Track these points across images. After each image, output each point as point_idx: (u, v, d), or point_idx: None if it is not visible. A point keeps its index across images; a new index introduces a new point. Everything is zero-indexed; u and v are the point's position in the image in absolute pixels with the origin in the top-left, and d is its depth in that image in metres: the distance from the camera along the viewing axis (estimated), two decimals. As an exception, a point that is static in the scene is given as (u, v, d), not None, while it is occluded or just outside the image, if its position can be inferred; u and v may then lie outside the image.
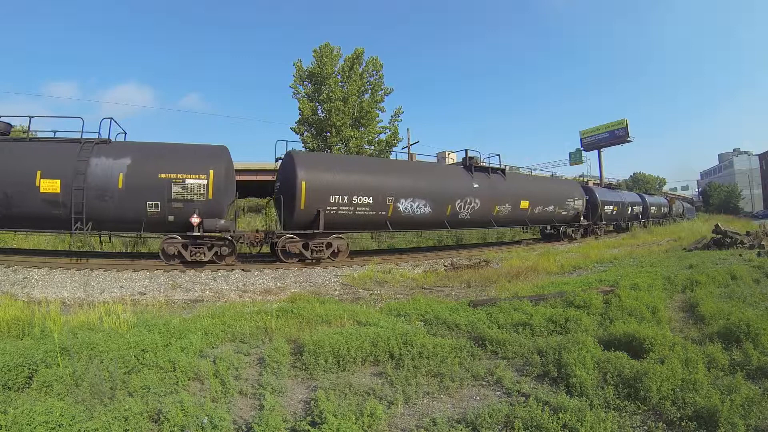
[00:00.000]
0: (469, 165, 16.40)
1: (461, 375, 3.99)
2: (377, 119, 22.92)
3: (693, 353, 4.07)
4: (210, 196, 10.85)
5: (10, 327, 5.01)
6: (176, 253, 10.89)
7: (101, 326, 4.94)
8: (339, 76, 22.11)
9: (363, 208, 12.76)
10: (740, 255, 12.41)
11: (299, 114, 22.37)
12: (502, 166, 17.91)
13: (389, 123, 23.27)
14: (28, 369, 3.64)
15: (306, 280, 10.72)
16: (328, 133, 21.91)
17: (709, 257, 12.39)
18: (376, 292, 9.46)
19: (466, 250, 17.14)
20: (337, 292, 9.54)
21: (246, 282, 10.25)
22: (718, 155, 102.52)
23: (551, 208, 19.35)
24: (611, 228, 28.06)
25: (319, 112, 22.27)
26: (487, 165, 17.25)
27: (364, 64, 22.44)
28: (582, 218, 21.55)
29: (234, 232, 11.44)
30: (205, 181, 10.83)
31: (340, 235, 12.78)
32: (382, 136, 23.05)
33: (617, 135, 52.13)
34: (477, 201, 15.47)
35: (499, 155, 18.01)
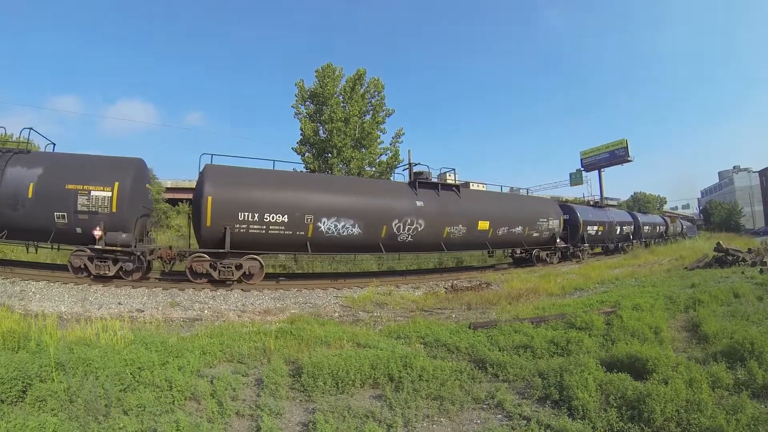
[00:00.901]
0: (414, 181, 14.79)
1: (461, 398, 3.94)
2: (378, 140, 23.16)
3: (697, 373, 4.02)
4: (114, 209, 10.68)
5: (6, 339, 4.96)
6: (83, 266, 10.72)
7: (98, 342, 4.90)
8: (341, 97, 22.46)
9: (277, 227, 11.54)
10: (742, 272, 12.34)
11: (301, 134, 22.64)
12: (456, 183, 16.00)
13: (390, 144, 23.51)
14: (23, 383, 3.60)
15: (305, 301, 10.66)
16: (330, 154, 22.10)
17: (711, 276, 12.33)
18: (375, 314, 9.39)
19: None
20: (336, 314, 9.47)
21: (245, 302, 10.18)
22: (718, 173, 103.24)
23: (519, 229, 17.46)
24: (599, 250, 26.73)
25: (321, 132, 22.53)
26: (436, 181, 15.39)
27: (366, 85, 22.80)
28: (559, 240, 19.56)
29: (135, 247, 10.94)
30: (110, 194, 10.71)
31: (256, 256, 11.69)
32: (383, 158, 23.24)
33: (617, 155, 52.64)
34: (421, 222, 13.83)
35: (454, 169, 16.13)
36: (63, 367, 3.81)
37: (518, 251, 19.30)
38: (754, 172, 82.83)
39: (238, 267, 11.36)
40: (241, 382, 4.22)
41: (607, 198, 49.34)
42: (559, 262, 19.93)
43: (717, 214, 67.69)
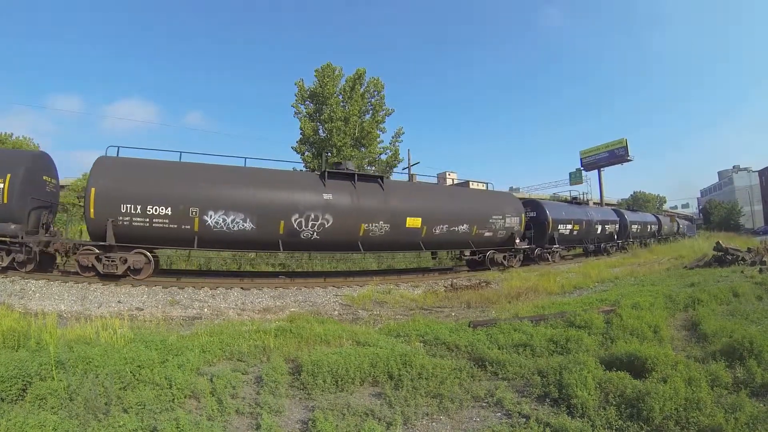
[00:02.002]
0: (324, 172, 13.31)
1: (461, 396, 3.94)
2: (378, 140, 23.19)
3: (696, 372, 4.03)
4: (5, 200, 10.82)
5: (6, 338, 4.97)
6: None
7: (98, 341, 4.91)
8: (340, 96, 22.48)
9: (161, 221, 11.00)
10: (742, 272, 12.34)
11: (300, 133, 22.66)
12: (376, 173, 14.19)
13: (390, 143, 23.54)
14: (22, 381, 3.60)
15: (305, 299, 10.67)
16: (329, 153, 22.13)
17: (710, 275, 12.32)
18: (375, 312, 9.41)
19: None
20: (336, 312, 9.48)
21: (245, 300, 10.20)
22: (718, 172, 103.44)
23: (464, 227, 15.20)
24: (579, 251, 24.52)
25: (320, 131, 22.55)
26: (351, 171, 13.68)
27: (366, 85, 22.82)
28: (519, 241, 17.22)
29: (22, 238, 10.81)
30: (1, 185, 10.85)
31: (143, 251, 11.27)
32: (383, 157, 23.27)
33: (617, 154, 52.65)
34: (328, 217, 12.42)
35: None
36: (63, 366, 3.81)
37: (467, 253, 16.75)
38: (753, 171, 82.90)
39: (124, 261, 10.99)
40: (240, 380, 4.22)
41: (607, 197, 49.40)
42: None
43: (716, 213, 67.79)
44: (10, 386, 3.50)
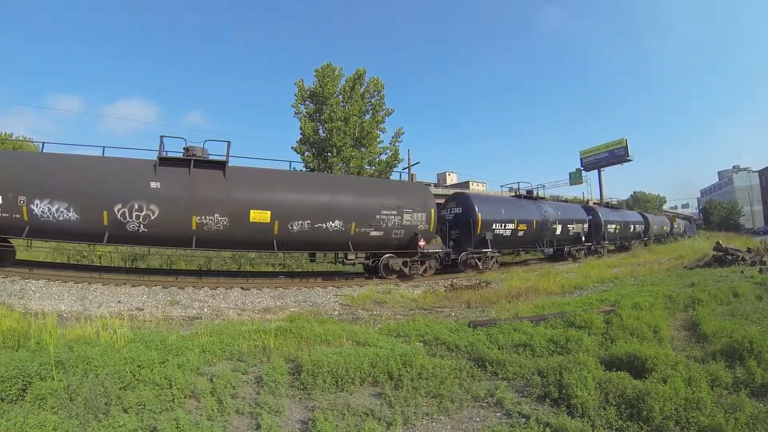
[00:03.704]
0: (159, 159, 11.80)
1: (461, 396, 3.94)
2: (378, 140, 23.17)
3: (696, 372, 4.03)
4: None
5: (6, 338, 4.96)
6: None
7: (98, 340, 4.91)
8: (340, 96, 22.46)
9: None
10: (742, 272, 12.35)
11: (300, 133, 22.64)
12: (221, 158, 12.16)
13: (390, 143, 23.52)
14: (22, 381, 3.60)
15: (305, 299, 10.67)
16: (329, 153, 22.11)
17: (710, 275, 12.33)
18: (375, 312, 9.41)
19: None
20: (336, 312, 9.48)
21: (245, 300, 10.20)
22: (718, 172, 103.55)
23: (336, 224, 12.61)
24: (537, 256, 21.38)
25: (321, 132, 22.53)
26: (188, 157, 11.93)
27: (366, 85, 22.80)
28: (423, 242, 13.90)
29: None
30: None
31: None
32: (383, 157, 23.25)
33: (617, 154, 52.65)
34: (153, 208, 11.13)
35: (228, 142, 12.18)
36: (63, 366, 3.81)
37: (351, 257, 13.37)
38: (753, 171, 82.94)
39: None
40: (240, 380, 4.22)
41: (608, 198, 49.35)
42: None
43: (716, 213, 67.80)
44: (10, 386, 3.50)
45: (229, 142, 12.19)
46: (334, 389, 4.10)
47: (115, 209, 10.94)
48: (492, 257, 16.98)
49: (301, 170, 20.52)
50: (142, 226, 11.16)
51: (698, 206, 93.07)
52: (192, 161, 11.81)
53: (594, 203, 37.40)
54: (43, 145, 12.33)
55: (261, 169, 13.07)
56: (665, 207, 75.72)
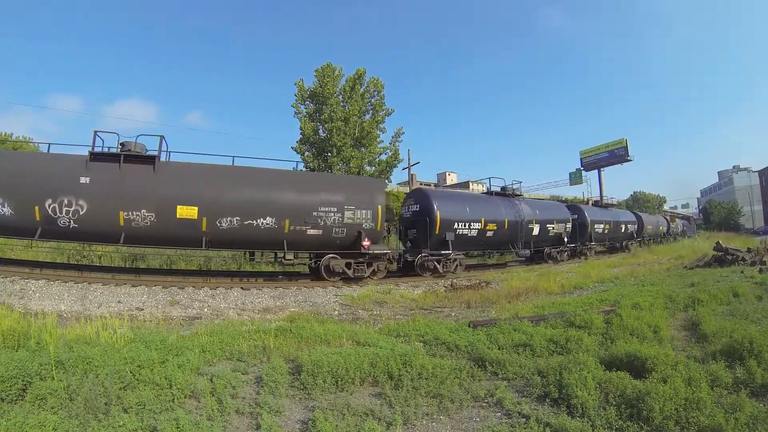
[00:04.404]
0: (90, 154, 11.41)
1: (461, 396, 3.94)
2: (378, 140, 23.16)
3: (696, 372, 4.03)
4: None
5: (6, 338, 4.97)
6: None
7: (98, 341, 4.91)
8: (340, 96, 22.46)
9: None
10: (742, 272, 12.36)
11: (300, 133, 22.64)
12: (152, 153, 11.78)
13: (390, 143, 23.51)
14: (22, 381, 3.60)
15: (305, 299, 10.67)
16: (329, 153, 22.11)
17: (710, 275, 12.33)
18: (375, 312, 9.41)
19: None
20: (336, 312, 9.48)
21: (245, 300, 10.20)
22: (718, 172, 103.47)
23: (268, 221, 11.90)
24: (476, 260, 19.65)
25: (320, 131, 22.53)
26: (121, 153, 11.56)
27: (366, 85, 22.79)
28: (367, 242, 12.74)
29: None
30: None
31: None
32: (383, 157, 23.24)
33: (617, 154, 52.66)
34: (82, 203, 10.90)
35: (161, 137, 11.87)
36: (63, 366, 3.82)
37: (290, 257, 12.48)
38: (753, 171, 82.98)
39: None
40: (240, 380, 4.23)
41: (607, 198, 49.31)
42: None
43: (717, 213, 67.82)
44: (10, 386, 3.50)
45: (162, 137, 11.94)
46: (334, 389, 4.10)
47: (46, 204, 10.78)
48: (455, 260, 15.30)
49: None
50: (72, 221, 10.97)
51: (698, 206, 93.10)
52: (122, 156, 11.52)
53: (594, 203, 37.29)
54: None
55: (192, 164, 12.53)
56: (665, 207, 75.73)
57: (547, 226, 19.52)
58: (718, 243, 16.79)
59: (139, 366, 4.05)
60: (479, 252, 17.78)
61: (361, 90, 22.64)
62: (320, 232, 12.46)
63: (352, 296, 10.92)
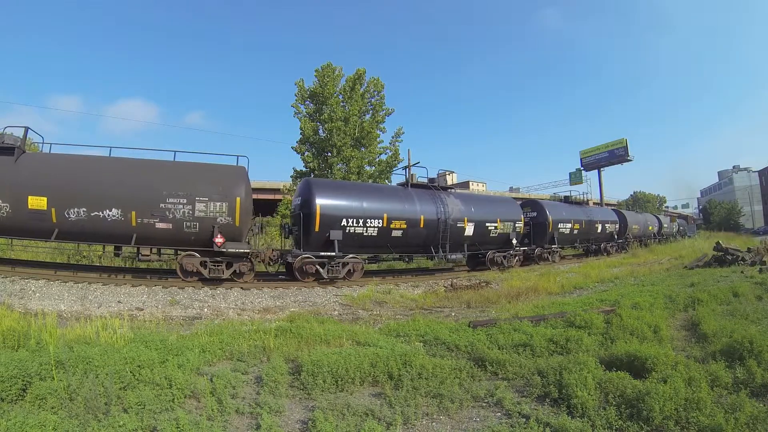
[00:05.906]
0: None
1: (461, 396, 3.94)
2: (378, 140, 23.15)
3: (696, 372, 4.03)
4: None
5: (6, 338, 4.98)
6: None
7: (98, 340, 4.92)
8: (340, 96, 22.45)
9: None
10: (742, 272, 12.36)
11: (300, 133, 22.63)
12: (10, 144, 11.02)
13: (390, 143, 23.50)
14: (22, 381, 3.61)
15: (305, 299, 10.66)
16: (329, 153, 22.11)
17: (710, 275, 12.33)
18: (375, 312, 9.41)
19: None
20: (336, 312, 9.48)
21: (245, 300, 10.20)
22: (718, 172, 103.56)
23: (113, 213, 10.89)
24: (433, 264, 17.36)
25: (320, 132, 22.53)
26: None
27: (366, 85, 22.78)
28: (220, 238, 11.30)
29: None
30: None
31: None
32: (383, 157, 23.23)
33: (617, 154, 52.60)
34: None
35: (26, 128, 11.34)
36: (63, 366, 3.82)
37: (147, 252, 11.61)
38: (753, 171, 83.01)
39: None
40: (240, 380, 4.23)
41: (608, 197, 49.33)
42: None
43: (716, 213, 67.79)
44: (10, 386, 3.50)
45: (26, 128, 11.46)
46: (334, 389, 4.10)
47: None
48: (347, 264, 12.92)
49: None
50: None
51: (698, 206, 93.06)
52: None
53: (594, 203, 37.09)
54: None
55: (53, 155, 11.85)
56: (665, 207, 75.68)
57: (487, 225, 16.44)
58: (718, 243, 16.79)
59: (139, 366, 4.05)
60: (383, 256, 14.62)
61: (361, 90, 22.63)
62: (170, 225, 11.30)
63: (352, 296, 10.92)
